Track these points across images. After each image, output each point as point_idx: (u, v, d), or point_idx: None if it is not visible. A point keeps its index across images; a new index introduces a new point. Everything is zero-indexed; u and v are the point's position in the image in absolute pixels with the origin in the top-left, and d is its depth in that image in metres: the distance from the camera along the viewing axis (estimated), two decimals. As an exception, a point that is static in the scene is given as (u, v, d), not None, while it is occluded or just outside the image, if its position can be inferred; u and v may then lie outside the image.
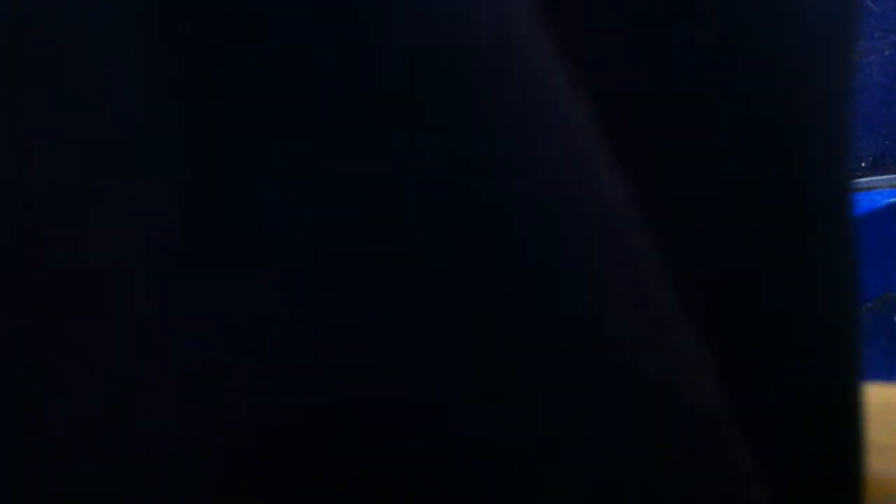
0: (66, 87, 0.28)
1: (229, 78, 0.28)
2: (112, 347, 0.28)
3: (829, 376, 0.37)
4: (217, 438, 0.28)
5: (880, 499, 0.46)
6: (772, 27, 0.35)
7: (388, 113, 0.29)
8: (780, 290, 0.36)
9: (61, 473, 0.29)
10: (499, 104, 0.29)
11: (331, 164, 0.28)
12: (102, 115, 0.28)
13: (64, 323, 0.28)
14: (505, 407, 0.29)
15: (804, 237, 0.36)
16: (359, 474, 0.29)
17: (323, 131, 0.28)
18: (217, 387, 0.28)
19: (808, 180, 0.36)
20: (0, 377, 0.29)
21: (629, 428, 0.31)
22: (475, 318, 0.29)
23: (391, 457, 0.29)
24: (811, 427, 0.36)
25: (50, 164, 0.28)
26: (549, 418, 0.30)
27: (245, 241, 0.28)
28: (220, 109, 0.28)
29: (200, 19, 0.28)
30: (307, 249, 0.28)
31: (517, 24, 0.30)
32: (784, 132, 0.36)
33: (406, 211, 0.29)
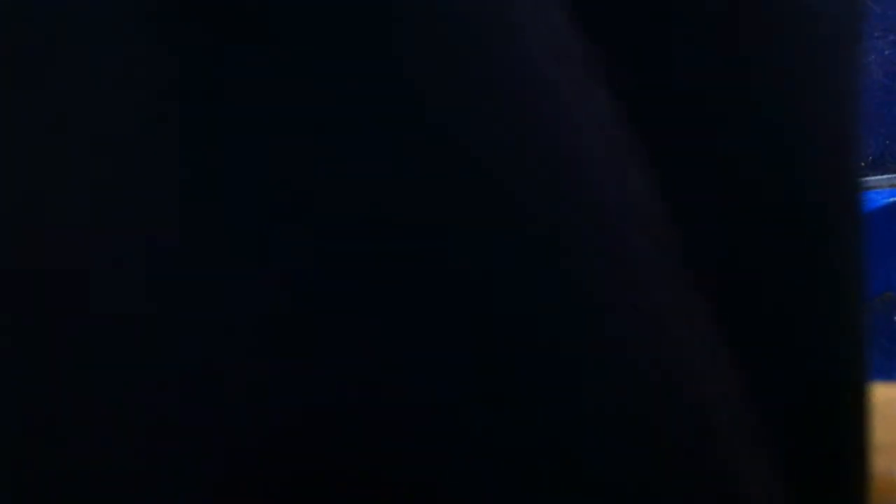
0: (66, 86, 0.28)
1: (229, 78, 0.28)
2: (112, 347, 0.28)
3: (836, 376, 0.37)
4: (217, 438, 0.28)
5: (881, 498, 0.45)
6: (778, 26, 0.35)
7: (389, 111, 0.29)
8: (787, 290, 0.36)
9: (61, 473, 0.29)
10: (501, 100, 0.29)
11: (331, 164, 0.28)
12: (102, 115, 0.28)
13: (63, 323, 0.28)
14: (505, 407, 0.29)
15: (811, 237, 0.36)
16: (359, 474, 0.28)
17: (324, 131, 0.28)
18: (217, 387, 0.28)
19: (815, 179, 0.36)
20: (0, 377, 0.29)
21: (630, 428, 0.31)
22: (475, 318, 0.29)
23: (391, 457, 0.29)
24: (817, 426, 0.36)
25: (49, 163, 0.28)
26: (549, 418, 0.30)
27: (245, 241, 0.28)
28: (220, 109, 0.28)
29: (200, 19, 0.28)
30: (307, 249, 0.28)
31: (539, 14, 0.30)
32: (791, 132, 0.36)
33: (407, 210, 0.29)
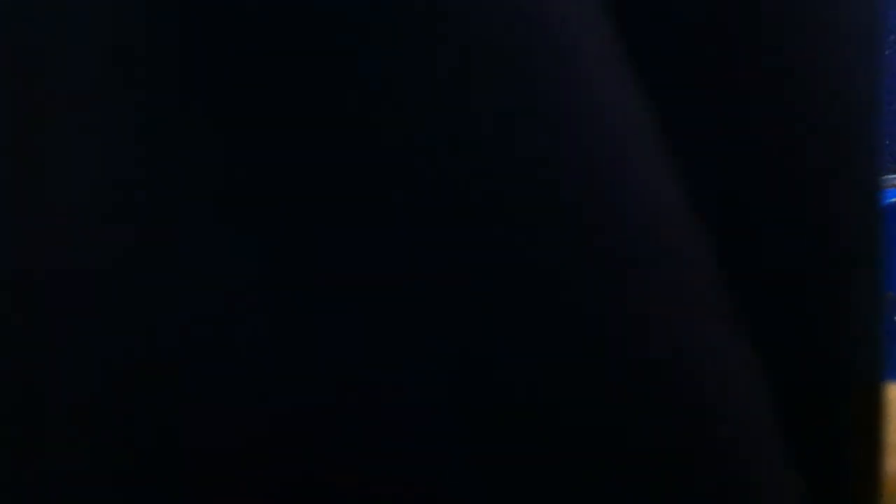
0: (69, 84, 0.28)
1: (229, 78, 0.28)
2: (112, 347, 0.28)
3: (849, 375, 0.37)
4: (215, 439, 0.28)
5: (892, 498, 0.46)
6: (802, 30, 0.35)
7: (391, 111, 0.28)
8: (802, 288, 0.36)
9: (60, 473, 0.28)
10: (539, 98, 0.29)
11: (332, 165, 0.28)
12: (101, 115, 0.28)
13: (64, 322, 0.28)
14: (504, 407, 0.29)
15: (827, 235, 0.36)
16: (357, 474, 0.28)
17: (325, 133, 0.28)
18: (216, 388, 0.28)
19: (831, 177, 0.36)
20: (0, 377, 0.29)
21: (633, 428, 0.30)
22: (474, 320, 0.29)
23: (390, 457, 0.29)
24: (829, 425, 0.36)
25: (50, 163, 0.28)
26: (548, 419, 0.30)
27: (246, 241, 0.28)
28: (221, 109, 0.28)
29: (202, 18, 0.28)
30: (307, 249, 0.28)
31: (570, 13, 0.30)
32: (813, 131, 0.36)
33: (407, 209, 0.29)
